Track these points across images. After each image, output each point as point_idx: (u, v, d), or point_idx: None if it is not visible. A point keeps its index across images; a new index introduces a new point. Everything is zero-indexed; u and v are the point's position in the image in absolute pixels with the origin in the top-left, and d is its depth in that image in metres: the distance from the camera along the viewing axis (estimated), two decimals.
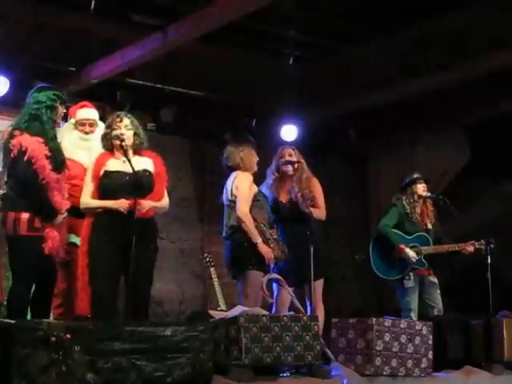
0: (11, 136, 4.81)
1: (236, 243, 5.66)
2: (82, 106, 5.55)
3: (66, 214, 4.90)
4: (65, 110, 5.07)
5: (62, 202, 4.85)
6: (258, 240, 5.55)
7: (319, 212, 6.05)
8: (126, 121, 5.15)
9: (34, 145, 4.75)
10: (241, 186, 5.70)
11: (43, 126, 4.87)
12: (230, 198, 5.77)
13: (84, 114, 5.49)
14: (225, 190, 5.85)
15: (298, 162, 6.13)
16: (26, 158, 4.71)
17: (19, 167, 4.75)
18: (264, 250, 5.55)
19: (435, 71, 7.82)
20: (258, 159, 5.94)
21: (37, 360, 3.54)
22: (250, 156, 5.86)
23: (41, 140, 4.79)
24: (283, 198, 6.10)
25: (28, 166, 4.72)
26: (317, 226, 5.91)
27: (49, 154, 4.78)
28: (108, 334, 3.79)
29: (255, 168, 5.92)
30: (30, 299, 4.92)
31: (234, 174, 5.82)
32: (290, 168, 6.11)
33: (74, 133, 5.44)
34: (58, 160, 4.89)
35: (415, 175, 6.80)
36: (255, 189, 5.79)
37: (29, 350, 3.54)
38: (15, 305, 4.78)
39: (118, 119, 5.15)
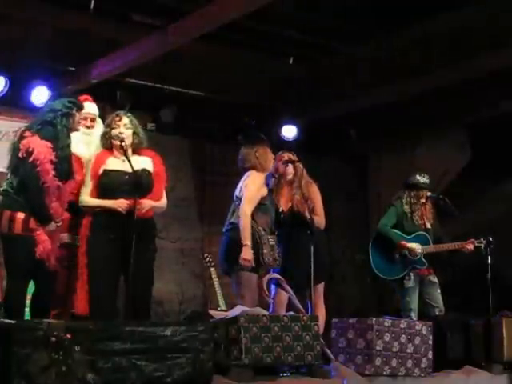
0: (21, 137, 4.84)
1: (230, 240, 5.66)
2: (85, 100, 5.52)
3: (60, 223, 4.89)
4: (82, 117, 5.07)
5: (58, 209, 4.84)
6: (247, 242, 5.52)
7: (319, 220, 6.07)
8: (125, 120, 5.16)
9: (41, 148, 4.76)
10: (249, 186, 5.70)
11: (56, 132, 4.87)
12: (237, 194, 5.78)
13: (87, 108, 5.46)
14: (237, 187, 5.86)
15: (299, 160, 6.13)
16: (30, 160, 4.73)
17: (23, 167, 4.77)
18: (244, 254, 5.49)
19: (435, 71, 7.82)
20: (273, 157, 5.94)
21: (37, 360, 3.54)
22: (265, 155, 5.86)
23: (49, 145, 4.79)
24: (284, 206, 6.10)
25: (32, 168, 4.73)
26: (318, 231, 5.92)
27: (55, 160, 4.78)
28: (108, 333, 3.79)
29: (271, 166, 5.93)
30: (31, 299, 4.92)
31: (247, 173, 5.81)
32: (290, 168, 6.11)
33: None
34: (64, 168, 4.87)
35: (425, 180, 6.73)
36: (264, 192, 5.77)
37: (29, 350, 3.53)
38: (10, 304, 4.79)
39: (118, 118, 5.16)
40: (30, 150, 4.74)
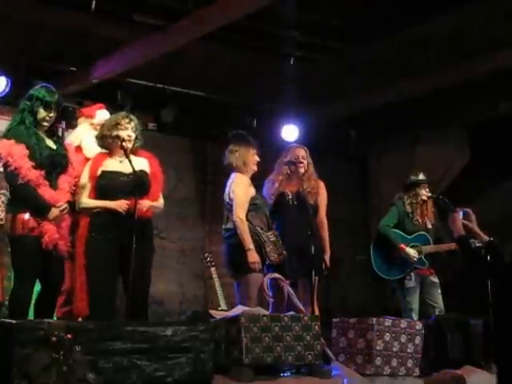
0: None
1: (232, 246, 5.69)
2: (100, 108, 5.79)
3: (64, 206, 4.88)
4: (51, 114, 4.98)
5: (54, 196, 4.85)
6: (250, 246, 5.55)
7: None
8: (134, 122, 5.16)
9: (9, 148, 4.80)
10: (236, 191, 5.72)
11: (25, 127, 4.89)
12: (227, 200, 5.80)
13: (104, 115, 5.69)
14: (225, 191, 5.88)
15: (300, 162, 6.14)
16: (3, 163, 4.82)
17: (4, 173, 4.87)
18: (251, 258, 5.53)
19: (435, 71, 7.82)
20: (257, 159, 5.94)
21: (37, 360, 3.55)
22: (245, 156, 5.84)
23: (14, 142, 4.81)
24: (290, 192, 6.12)
25: (7, 169, 4.80)
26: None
27: (28, 152, 4.79)
28: (109, 333, 3.79)
29: (254, 168, 5.91)
30: (36, 299, 4.93)
31: (232, 176, 5.83)
32: (301, 168, 6.13)
33: (93, 133, 5.53)
34: (48, 156, 4.87)
35: (420, 177, 6.76)
36: (252, 192, 5.79)
37: (29, 350, 3.54)
38: (14, 306, 4.82)
39: (127, 120, 5.14)
40: (1, 156, 4.81)
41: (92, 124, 5.73)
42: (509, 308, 4.52)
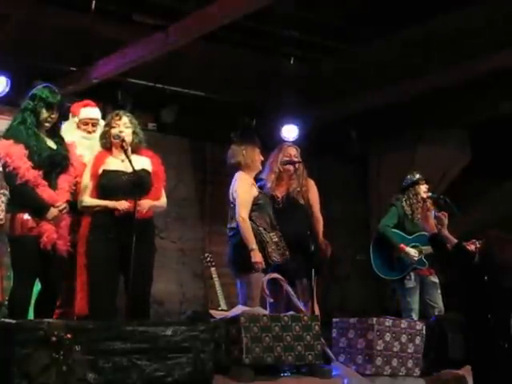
0: None
1: (236, 245, 5.68)
2: (86, 105, 5.53)
3: (63, 206, 4.85)
4: (53, 115, 4.95)
5: (53, 195, 4.83)
6: (253, 246, 5.54)
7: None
8: (125, 119, 5.15)
9: (7, 148, 4.79)
10: (239, 191, 5.71)
11: (25, 127, 4.86)
12: (231, 199, 5.80)
13: (88, 114, 5.48)
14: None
15: (300, 162, 6.15)
16: (2, 163, 4.81)
17: (3, 173, 4.87)
18: (254, 258, 5.52)
19: (436, 71, 7.82)
20: (262, 158, 5.95)
21: (37, 360, 3.54)
22: (252, 155, 5.86)
23: (13, 142, 4.79)
24: (279, 194, 6.11)
25: (5, 169, 4.80)
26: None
27: (27, 152, 4.77)
28: (109, 333, 3.79)
29: (259, 167, 5.93)
30: (36, 299, 4.93)
31: (236, 175, 5.83)
32: (292, 167, 6.12)
33: (76, 132, 5.42)
34: (48, 156, 4.86)
35: (417, 176, 6.77)
36: (255, 192, 5.78)
37: (29, 350, 3.54)
38: (14, 305, 4.82)
39: (117, 117, 5.15)
40: (1, 155, 4.80)
41: (75, 122, 5.48)
42: (478, 307, 4.57)
